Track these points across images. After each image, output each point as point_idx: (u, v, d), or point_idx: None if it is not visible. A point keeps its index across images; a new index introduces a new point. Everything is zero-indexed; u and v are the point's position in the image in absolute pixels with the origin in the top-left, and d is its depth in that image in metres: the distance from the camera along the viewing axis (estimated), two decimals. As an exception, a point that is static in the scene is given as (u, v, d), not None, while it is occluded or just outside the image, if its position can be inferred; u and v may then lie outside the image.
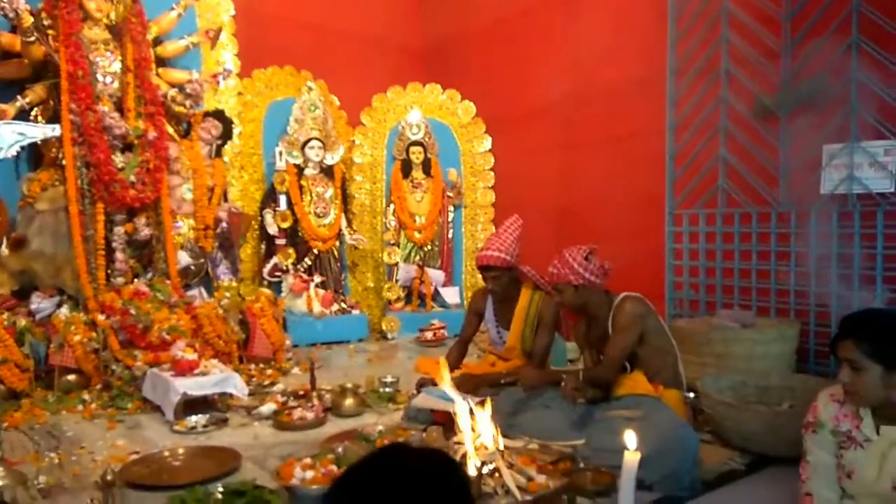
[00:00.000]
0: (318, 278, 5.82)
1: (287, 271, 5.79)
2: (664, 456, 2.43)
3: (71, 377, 3.86)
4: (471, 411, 2.32)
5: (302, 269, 5.85)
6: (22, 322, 3.89)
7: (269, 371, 4.45)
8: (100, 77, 4.46)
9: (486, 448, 2.26)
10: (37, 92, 4.46)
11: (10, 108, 4.34)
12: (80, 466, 2.74)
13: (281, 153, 5.80)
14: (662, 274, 4.62)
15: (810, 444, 1.98)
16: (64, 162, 4.26)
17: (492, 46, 6.45)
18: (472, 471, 2.12)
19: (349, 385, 3.66)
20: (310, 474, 2.37)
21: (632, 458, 1.87)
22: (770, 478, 2.61)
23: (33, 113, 4.51)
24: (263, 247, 5.91)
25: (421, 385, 3.35)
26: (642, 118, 4.95)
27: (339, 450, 2.75)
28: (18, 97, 4.42)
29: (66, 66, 4.22)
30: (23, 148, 4.07)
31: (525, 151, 6.19)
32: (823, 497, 1.94)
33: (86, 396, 3.73)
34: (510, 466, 2.21)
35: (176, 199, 4.77)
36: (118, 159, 4.33)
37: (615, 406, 2.82)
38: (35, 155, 4.49)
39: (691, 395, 3.10)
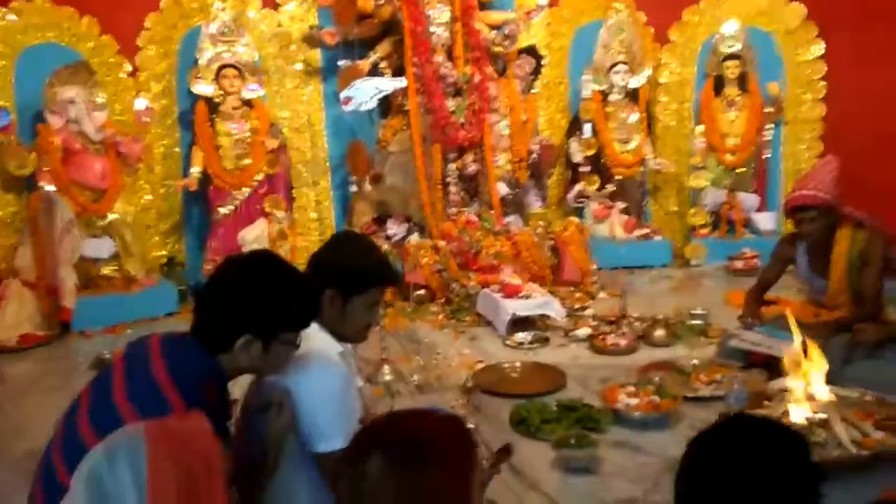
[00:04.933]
0: (620, 204, 5.95)
1: (590, 197, 6.01)
2: None
3: (421, 291, 4.67)
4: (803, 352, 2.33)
5: (605, 195, 6.01)
6: (384, 247, 4.78)
7: (578, 294, 4.80)
8: (433, 29, 5.02)
9: (816, 398, 2.27)
10: (384, 48, 5.21)
11: (365, 65, 5.15)
12: (440, 370, 3.42)
13: (587, 82, 5.92)
14: None
15: None
16: (407, 108, 4.98)
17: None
18: (800, 420, 2.18)
19: (660, 316, 3.82)
20: (633, 401, 2.66)
21: None
22: None
23: (381, 66, 5.29)
24: (569, 174, 6.19)
25: (742, 321, 3.26)
26: None
27: (657, 379, 2.99)
28: (370, 53, 5.22)
29: (408, 24, 4.85)
30: (378, 99, 4.99)
31: (869, 60, 5.35)
32: None
33: (433, 309, 4.51)
34: (843, 419, 2.19)
35: (495, 135, 5.26)
36: (450, 103, 4.91)
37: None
38: (383, 103, 5.30)
39: None
